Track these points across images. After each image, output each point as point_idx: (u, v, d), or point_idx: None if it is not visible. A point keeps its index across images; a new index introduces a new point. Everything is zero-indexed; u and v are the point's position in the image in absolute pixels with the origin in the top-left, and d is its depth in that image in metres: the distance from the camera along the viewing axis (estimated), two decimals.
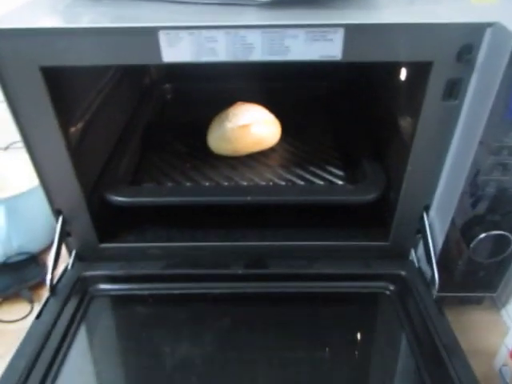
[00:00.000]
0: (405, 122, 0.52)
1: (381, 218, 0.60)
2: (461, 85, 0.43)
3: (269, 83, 0.78)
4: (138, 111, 0.73)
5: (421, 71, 0.44)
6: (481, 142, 0.44)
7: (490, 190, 0.48)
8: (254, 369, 0.47)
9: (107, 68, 0.64)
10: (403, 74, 0.54)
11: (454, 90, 0.44)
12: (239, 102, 0.65)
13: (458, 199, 0.49)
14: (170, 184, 0.59)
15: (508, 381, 0.52)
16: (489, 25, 0.40)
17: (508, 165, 0.46)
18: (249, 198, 0.54)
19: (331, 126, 0.72)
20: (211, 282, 0.55)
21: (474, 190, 0.48)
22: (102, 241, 0.57)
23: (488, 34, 0.40)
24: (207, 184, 0.59)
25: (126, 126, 0.68)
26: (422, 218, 0.54)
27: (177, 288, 0.54)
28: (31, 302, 0.60)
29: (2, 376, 0.43)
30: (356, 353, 0.49)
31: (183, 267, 0.56)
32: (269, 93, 0.74)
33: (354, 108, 0.73)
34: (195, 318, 0.52)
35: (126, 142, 0.65)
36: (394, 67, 0.56)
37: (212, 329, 0.51)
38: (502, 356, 0.53)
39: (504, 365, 0.53)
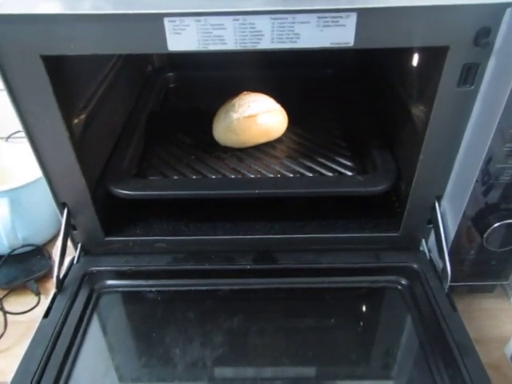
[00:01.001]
0: (417, 110, 0.51)
1: (392, 209, 0.59)
2: (477, 70, 0.42)
3: (274, 71, 0.77)
4: (140, 101, 0.72)
5: (435, 56, 0.43)
6: (497, 129, 0.43)
7: (505, 178, 0.47)
8: (263, 366, 0.46)
9: (109, 56, 0.63)
10: (416, 59, 0.53)
11: (470, 75, 0.42)
12: (245, 92, 0.64)
13: (471, 188, 0.48)
14: (175, 177, 0.58)
15: None
16: (508, 5, 0.38)
17: None
18: (257, 192, 0.53)
19: (340, 115, 0.71)
20: (219, 278, 0.54)
21: (487, 178, 0.47)
22: (107, 234, 0.56)
23: (507, 15, 0.38)
24: (213, 177, 0.58)
25: (129, 116, 0.67)
26: (434, 208, 0.53)
27: (184, 284, 0.53)
28: (38, 293, 0.59)
29: (13, 379, 0.42)
30: (365, 352, 0.48)
31: (190, 262, 0.55)
32: (274, 81, 0.72)
33: (363, 96, 0.72)
34: (204, 316, 0.51)
35: (129, 132, 0.64)
36: (406, 52, 0.54)
37: (221, 326, 0.50)
38: None
39: None
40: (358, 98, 0.72)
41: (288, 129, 0.66)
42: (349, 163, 0.60)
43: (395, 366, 0.46)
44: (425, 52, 0.50)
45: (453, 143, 0.47)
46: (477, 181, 0.47)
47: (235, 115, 0.61)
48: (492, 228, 0.49)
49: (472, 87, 0.43)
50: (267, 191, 0.54)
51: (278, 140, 0.65)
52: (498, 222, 0.48)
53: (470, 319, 0.60)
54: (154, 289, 0.53)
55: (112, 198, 0.55)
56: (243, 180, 0.57)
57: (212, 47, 0.41)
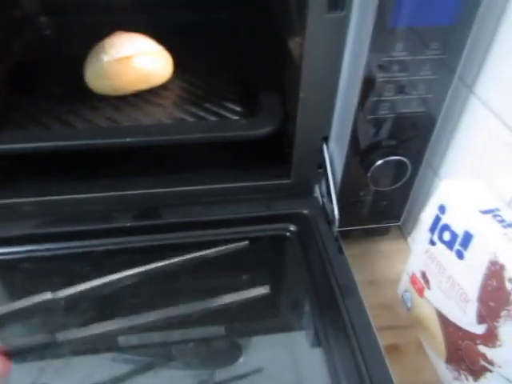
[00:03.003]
0: (294, 44, 0.47)
1: (282, 155, 0.56)
2: None
3: (160, 14, 0.69)
4: (3, 49, 0.62)
5: None
6: (369, 58, 0.40)
7: (384, 112, 0.45)
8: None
9: None
10: None
11: None
12: (118, 32, 0.57)
13: (351, 126, 0.45)
14: (37, 129, 0.51)
15: (409, 305, 0.52)
16: None
17: (400, 82, 0.42)
18: (128, 140, 0.47)
19: (230, 59, 0.66)
20: (93, 239, 0.48)
21: (368, 114, 0.45)
22: None
23: None
24: (81, 126, 0.51)
25: None
26: (322, 150, 0.51)
27: (49, 249, 0.48)
28: None
29: None
30: (249, 301, 0.45)
31: (62, 224, 0.49)
32: (160, 25, 0.65)
33: (254, 39, 0.67)
34: (73, 281, 0.46)
35: None
36: None
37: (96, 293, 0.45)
38: (404, 282, 0.53)
39: (406, 291, 0.53)
40: (250, 41, 0.67)
41: (174, 75, 0.60)
42: (238, 108, 0.56)
43: (278, 310, 0.45)
44: None
45: (330, 76, 0.44)
46: (358, 117, 0.45)
47: (106, 57, 0.53)
48: (375, 166, 0.47)
49: (342, 13, 0.40)
50: (140, 139, 0.48)
51: (163, 87, 0.59)
52: (381, 159, 0.47)
53: (366, 262, 0.60)
54: (16, 256, 0.47)
55: None
56: (113, 128, 0.51)
57: None
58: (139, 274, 0.44)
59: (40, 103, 0.56)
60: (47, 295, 0.42)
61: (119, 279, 0.44)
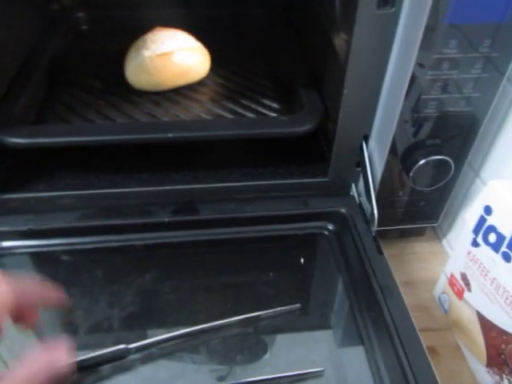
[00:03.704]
0: (339, 40, 0.47)
1: (321, 153, 0.56)
2: None
3: (197, 10, 0.70)
4: (43, 42, 0.63)
5: None
6: (419, 56, 0.40)
7: (430, 111, 0.44)
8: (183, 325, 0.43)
9: None
10: None
11: None
12: (158, 27, 0.57)
13: (395, 124, 0.45)
14: (79, 122, 0.52)
15: (447, 307, 0.51)
16: None
17: (449, 81, 0.42)
18: (170, 135, 0.48)
19: (266, 55, 0.66)
20: (134, 233, 0.49)
21: (412, 112, 0.44)
22: (3, 191, 0.49)
23: None
24: (121, 121, 0.52)
25: (26, 59, 0.58)
26: (362, 148, 0.50)
27: (91, 242, 0.48)
28: None
29: None
30: (289, 298, 0.45)
31: (101, 218, 0.50)
32: (197, 20, 0.66)
33: (290, 35, 0.66)
34: (116, 275, 0.47)
35: (26, 76, 0.56)
36: None
37: (135, 285, 0.45)
38: (441, 284, 0.52)
39: (443, 292, 0.52)
40: (286, 38, 0.66)
41: (212, 70, 0.61)
42: (275, 105, 0.56)
43: (319, 311, 0.44)
44: None
45: (376, 73, 0.44)
46: (404, 116, 0.45)
47: (147, 53, 0.54)
48: (418, 165, 0.47)
49: (393, 9, 0.39)
50: (182, 134, 0.48)
51: (201, 82, 0.60)
52: (424, 158, 0.46)
53: (401, 263, 0.60)
54: (57, 248, 0.48)
55: (6, 150, 0.48)
56: (155, 123, 0.51)
57: None
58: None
59: (80, 97, 0.57)
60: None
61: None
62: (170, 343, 0.41)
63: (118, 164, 0.54)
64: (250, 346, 0.41)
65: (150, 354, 0.40)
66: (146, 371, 0.39)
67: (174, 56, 0.55)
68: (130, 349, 0.39)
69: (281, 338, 0.43)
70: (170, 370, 0.40)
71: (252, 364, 0.41)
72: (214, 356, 0.41)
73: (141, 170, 0.53)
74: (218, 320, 0.42)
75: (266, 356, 0.41)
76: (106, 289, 0.44)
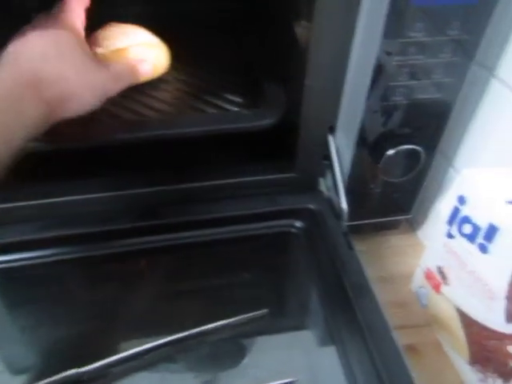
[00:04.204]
0: (300, 28, 0.45)
1: (287, 148, 0.53)
2: None
3: (158, 7, 0.66)
4: None
5: None
6: (383, 40, 0.37)
7: (398, 99, 0.42)
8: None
9: None
10: None
11: None
12: (112, 23, 0.54)
13: (361, 114, 0.43)
14: None
15: (425, 302, 0.50)
16: None
17: (416, 66, 0.39)
18: (125, 136, 0.44)
19: (232, 50, 0.63)
20: (95, 242, 0.46)
21: (381, 101, 0.42)
22: None
23: None
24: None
25: None
26: (328, 140, 0.48)
27: (56, 254, 0.45)
28: None
29: None
30: (258, 303, 0.42)
31: (62, 228, 0.46)
32: (156, 17, 0.62)
33: (255, 28, 0.64)
34: (77, 288, 0.44)
35: None
36: None
37: (98, 297, 0.42)
38: (418, 278, 0.51)
39: (420, 286, 0.50)
40: (251, 31, 0.64)
41: (174, 67, 0.57)
42: (239, 100, 0.53)
43: (291, 314, 0.42)
44: None
45: (339, 61, 0.41)
46: (370, 105, 0.42)
47: (100, 50, 0.50)
48: (387, 156, 0.45)
49: None
50: (137, 135, 0.45)
51: (161, 79, 0.56)
52: (393, 148, 0.44)
53: (378, 258, 0.58)
54: (16, 264, 0.44)
55: None
56: (111, 123, 0.48)
57: None
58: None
59: None
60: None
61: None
62: (137, 359, 0.38)
63: (76, 169, 0.50)
64: (216, 354, 0.39)
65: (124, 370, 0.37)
66: None
67: (130, 52, 0.51)
68: (83, 373, 0.36)
69: (251, 345, 0.40)
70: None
71: (223, 373, 0.38)
72: (178, 370, 0.38)
73: (100, 175, 0.50)
74: (182, 332, 0.39)
75: (236, 365, 0.39)
76: (68, 303, 0.41)
